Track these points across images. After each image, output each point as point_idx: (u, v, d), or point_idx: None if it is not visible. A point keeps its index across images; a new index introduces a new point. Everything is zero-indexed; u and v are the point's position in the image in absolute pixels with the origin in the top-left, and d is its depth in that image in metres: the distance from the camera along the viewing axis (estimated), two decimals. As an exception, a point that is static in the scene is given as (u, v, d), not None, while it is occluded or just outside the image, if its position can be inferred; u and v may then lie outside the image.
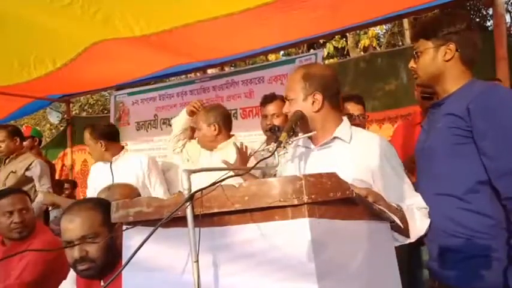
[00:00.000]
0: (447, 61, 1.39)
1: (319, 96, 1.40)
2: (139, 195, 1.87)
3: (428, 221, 1.32)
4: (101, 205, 1.40)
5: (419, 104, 2.21)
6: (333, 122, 1.43)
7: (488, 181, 1.28)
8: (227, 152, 2.29)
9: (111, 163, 2.72)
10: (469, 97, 1.31)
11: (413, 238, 1.26)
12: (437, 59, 1.40)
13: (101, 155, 2.72)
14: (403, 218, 1.22)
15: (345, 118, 1.48)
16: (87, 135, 2.72)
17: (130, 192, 1.81)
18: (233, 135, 2.50)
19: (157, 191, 2.74)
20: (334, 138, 1.41)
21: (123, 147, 2.83)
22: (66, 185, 4.53)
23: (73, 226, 1.35)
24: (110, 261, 1.36)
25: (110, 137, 2.72)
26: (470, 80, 1.39)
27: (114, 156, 2.72)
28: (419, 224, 1.28)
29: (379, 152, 1.36)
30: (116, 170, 2.69)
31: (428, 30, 1.42)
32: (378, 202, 1.13)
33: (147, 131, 4.16)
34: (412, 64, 1.48)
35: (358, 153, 1.37)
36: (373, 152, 1.36)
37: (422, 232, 1.30)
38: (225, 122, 2.44)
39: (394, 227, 1.16)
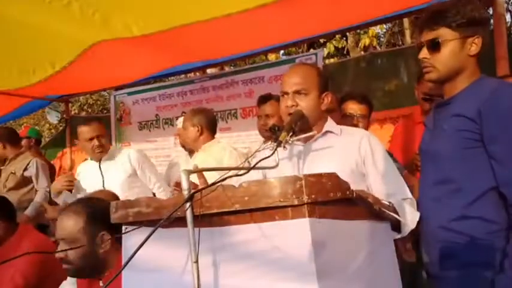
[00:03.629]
0: (472, 56, 1.26)
1: (330, 97, 1.45)
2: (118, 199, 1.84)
3: (418, 213, 1.30)
4: (89, 210, 1.40)
5: (420, 105, 2.20)
6: (324, 120, 1.48)
7: (496, 187, 1.22)
8: (209, 153, 2.39)
9: (100, 162, 2.64)
10: (480, 97, 1.22)
11: (405, 233, 1.25)
12: (462, 53, 1.25)
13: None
14: (395, 214, 1.22)
15: (329, 117, 1.53)
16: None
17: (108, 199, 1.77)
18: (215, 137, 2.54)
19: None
20: (326, 132, 1.45)
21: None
22: None
23: (59, 227, 1.41)
24: (91, 267, 1.39)
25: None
26: (479, 77, 1.29)
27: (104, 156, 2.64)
28: (410, 218, 1.27)
29: (368, 143, 1.39)
30: (105, 169, 2.63)
31: (454, 19, 1.24)
32: (375, 203, 1.13)
33: (149, 130, 4.16)
34: (424, 55, 1.30)
35: (349, 144, 1.40)
36: (363, 143, 1.39)
37: (413, 226, 1.27)
38: (209, 124, 2.50)
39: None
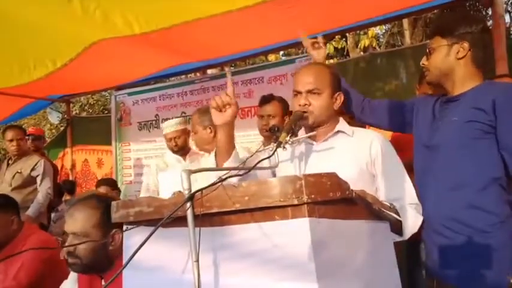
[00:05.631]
0: (459, 59, 1.42)
1: (342, 96, 1.46)
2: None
3: (421, 218, 1.32)
4: (104, 205, 1.38)
5: None
6: (335, 120, 1.49)
7: (499, 178, 1.29)
8: None
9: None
10: (493, 91, 1.33)
11: (406, 236, 1.27)
12: (450, 56, 1.43)
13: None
14: (396, 215, 1.23)
15: (340, 117, 1.52)
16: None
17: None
18: None
19: None
20: (338, 132, 1.45)
21: None
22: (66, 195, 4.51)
23: (70, 221, 1.38)
24: (99, 263, 1.36)
25: None
26: (487, 81, 1.42)
27: None
28: (412, 221, 1.28)
29: (379, 145, 1.39)
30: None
31: (445, 29, 1.45)
32: (374, 203, 1.14)
33: (149, 131, 4.17)
34: (423, 61, 1.51)
35: (360, 145, 1.40)
36: (374, 145, 1.39)
37: (415, 230, 1.29)
38: None
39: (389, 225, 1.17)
